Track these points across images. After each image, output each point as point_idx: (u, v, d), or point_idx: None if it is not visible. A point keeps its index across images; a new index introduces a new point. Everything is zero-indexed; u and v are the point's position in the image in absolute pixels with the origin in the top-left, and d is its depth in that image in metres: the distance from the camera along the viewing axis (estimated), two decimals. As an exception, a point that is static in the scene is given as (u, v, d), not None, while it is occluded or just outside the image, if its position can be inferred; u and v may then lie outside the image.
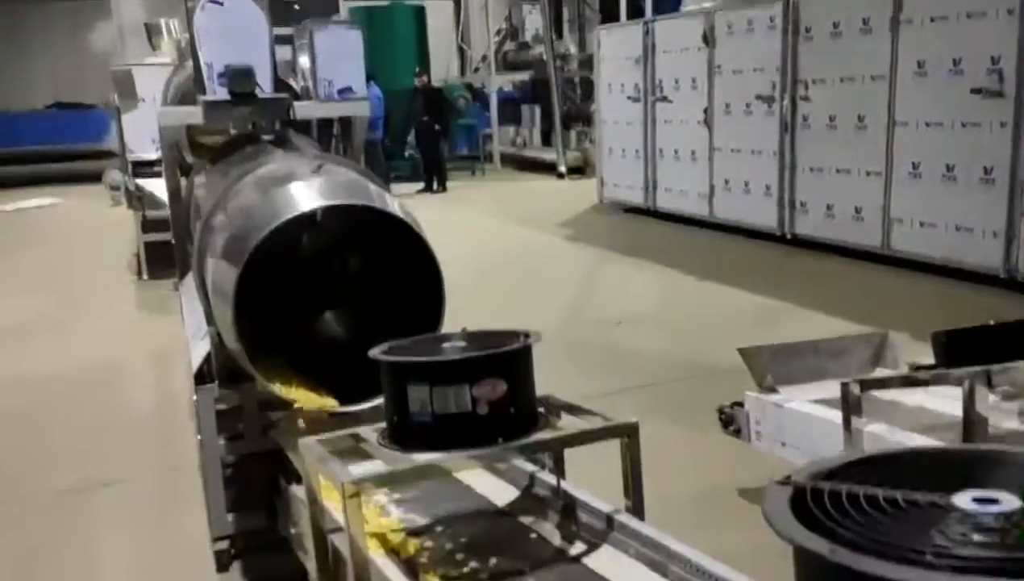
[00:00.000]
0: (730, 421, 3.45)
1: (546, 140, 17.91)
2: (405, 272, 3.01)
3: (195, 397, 3.22)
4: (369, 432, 2.24)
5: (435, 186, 14.91)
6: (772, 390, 3.32)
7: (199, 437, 3.25)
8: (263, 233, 2.66)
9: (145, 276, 8.33)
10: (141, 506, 3.86)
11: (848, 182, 7.95)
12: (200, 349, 3.31)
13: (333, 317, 3.36)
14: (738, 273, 7.83)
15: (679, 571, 1.88)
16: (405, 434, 2.07)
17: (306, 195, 2.86)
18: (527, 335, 2.17)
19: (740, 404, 3.44)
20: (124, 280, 8.54)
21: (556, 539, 2.21)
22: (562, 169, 15.99)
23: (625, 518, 2.11)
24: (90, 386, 5.47)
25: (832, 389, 3.34)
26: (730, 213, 9.58)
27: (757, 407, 3.32)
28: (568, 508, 2.28)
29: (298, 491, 2.65)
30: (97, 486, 4.04)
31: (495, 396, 2.02)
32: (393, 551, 2.21)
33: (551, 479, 2.41)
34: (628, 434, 2.13)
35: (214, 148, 4.34)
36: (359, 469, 2.02)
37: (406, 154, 16.77)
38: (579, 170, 15.96)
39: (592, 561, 2.06)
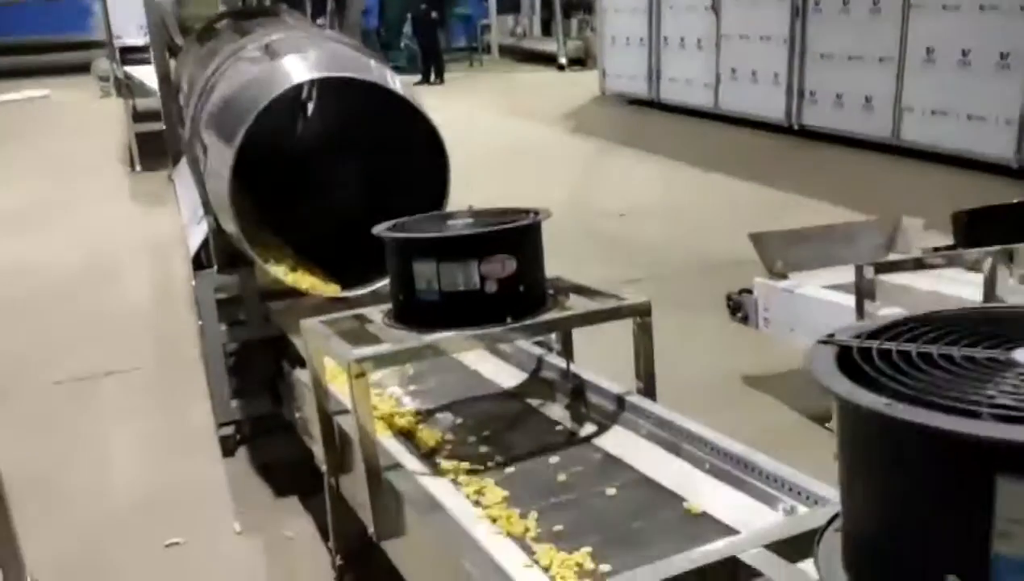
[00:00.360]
0: (738, 308, 3.40)
1: (546, 30, 17.41)
2: (408, 152, 2.90)
3: (194, 282, 3.15)
4: (374, 313, 2.18)
5: (432, 78, 14.55)
6: (782, 276, 3.25)
7: (200, 323, 3.20)
8: (259, 107, 2.54)
9: (138, 168, 8.16)
10: (144, 394, 3.84)
11: (859, 69, 7.72)
12: (197, 234, 3.22)
13: (333, 200, 3.27)
14: (744, 165, 7.68)
15: (693, 450, 1.84)
16: (411, 313, 2.01)
17: (302, 68, 2.72)
18: (536, 212, 2.09)
19: (748, 291, 3.38)
20: (117, 172, 8.38)
21: (566, 421, 2.18)
22: (562, 60, 15.60)
23: (637, 399, 2.07)
24: (87, 277, 5.41)
25: (843, 275, 3.28)
26: (736, 104, 9.35)
27: (766, 293, 3.26)
28: (577, 390, 2.24)
29: (302, 375, 2.61)
30: (100, 375, 4.01)
31: (504, 274, 1.95)
32: (401, 433, 2.19)
33: (559, 362, 2.37)
34: (640, 314, 2.07)
35: (204, 28, 4.17)
36: (365, 348, 1.97)
37: (402, 44, 16.31)
38: (580, 61, 15.56)
39: (604, 442, 2.03)
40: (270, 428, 3.26)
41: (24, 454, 3.32)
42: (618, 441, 1.99)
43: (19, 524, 1.93)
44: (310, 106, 3.40)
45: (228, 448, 3.27)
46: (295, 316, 2.82)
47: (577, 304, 2.13)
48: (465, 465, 1.88)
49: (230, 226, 2.71)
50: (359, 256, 3.00)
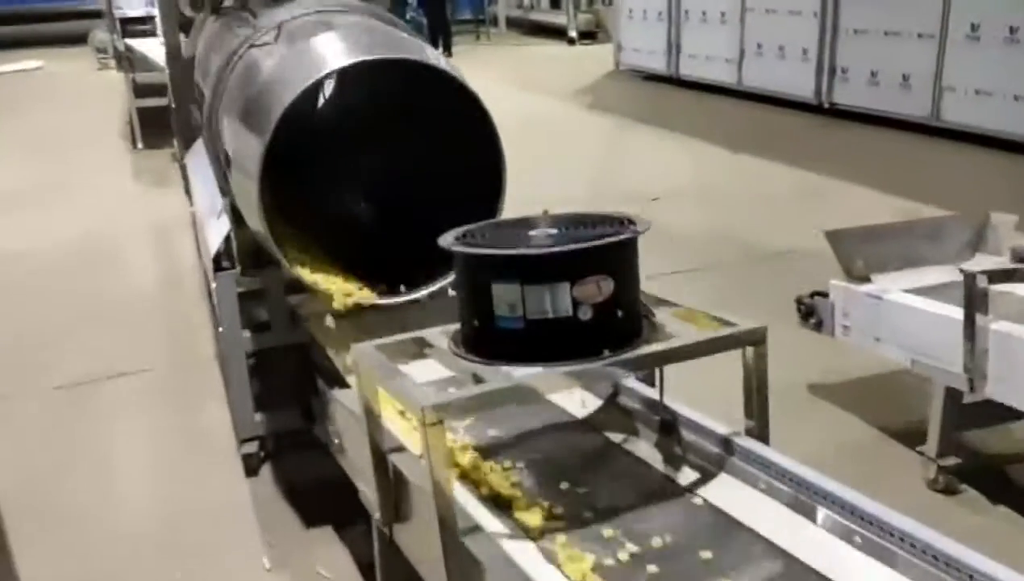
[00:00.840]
0: (810, 313, 3.08)
1: (554, 2, 16.94)
2: (453, 140, 2.58)
3: (214, 285, 2.84)
4: (438, 337, 1.86)
5: (440, 51, 14.12)
6: (863, 278, 2.93)
7: (220, 330, 2.89)
8: (293, 95, 2.21)
9: (140, 145, 7.80)
10: (154, 401, 3.53)
11: (896, 46, 7.36)
12: (216, 230, 2.90)
13: (367, 195, 2.94)
14: (774, 145, 7.34)
15: (832, 515, 1.54)
16: (487, 342, 1.69)
17: (338, 49, 2.39)
18: (631, 221, 1.77)
19: (822, 294, 3.06)
20: (118, 149, 8.02)
21: (659, 463, 1.87)
22: (572, 34, 15.18)
23: (747, 443, 1.76)
24: (88, 264, 5.08)
25: (927, 277, 2.98)
26: (761, 80, 8.98)
27: (846, 298, 2.94)
28: (668, 426, 1.94)
29: (342, 396, 2.30)
30: (104, 378, 3.70)
31: (601, 297, 1.63)
32: (464, 476, 1.88)
33: (637, 387, 2.06)
34: (754, 341, 1.76)
35: (216, -1, 3.81)
36: (427, 376, 1.66)
37: (407, 16, 15.84)
38: (590, 35, 15.15)
39: (712, 494, 1.72)
40: (297, 443, 2.98)
41: (21, 473, 3.02)
42: (724, 492, 1.68)
43: (17, 555, 1.63)
44: (328, 85, 3.06)
45: (251, 467, 2.97)
46: (332, 325, 2.53)
47: (675, 328, 1.81)
48: (589, 560, 1.52)
49: (257, 225, 2.39)
50: (399, 257, 2.69)
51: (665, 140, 8.03)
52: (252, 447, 2.95)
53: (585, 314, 1.63)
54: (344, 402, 2.27)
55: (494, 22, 17.59)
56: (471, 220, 2.55)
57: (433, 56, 2.51)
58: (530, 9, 17.64)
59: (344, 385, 2.37)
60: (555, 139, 8.15)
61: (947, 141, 7.00)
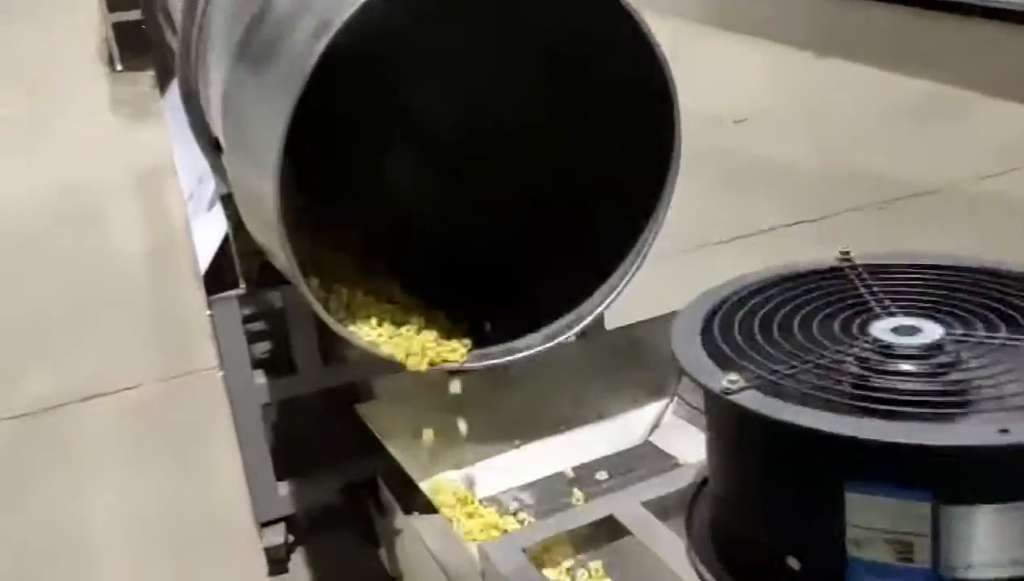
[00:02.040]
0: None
1: None
2: (575, 88, 1.61)
3: (209, 313, 1.88)
4: (651, 527, 0.91)
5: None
6: None
7: (222, 374, 1.95)
8: (325, 37, 1.20)
9: (118, 66, 6.72)
10: (144, 436, 2.62)
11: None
12: (208, 229, 1.92)
13: (435, 179, 1.93)
14: (868, 47, 6.21)
15: None
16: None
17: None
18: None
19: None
20: (94, 72, 6.93)
21: None
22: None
23: None
24: (61, 232, 4.10)
25: None
26: (837, -32, 7.74)
27: None
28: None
29: (427, 533, 1.38)
30: (76, 400, 2.79)
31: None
32: None
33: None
34: None
35: None
36: None
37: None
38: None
39: None
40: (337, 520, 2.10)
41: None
42: None
43: None
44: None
45: (277, 559, 2.07)
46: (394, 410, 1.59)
47: None
48: None
49: (275, 248, 1.42)
50: (488, 275, 1.73)
51: (739, 46, 6.87)
52: (277, 535, 2.05)
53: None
54: (431, 547, 1.36)
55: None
56: (607, 214, 1.62)
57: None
58: None
59: (424, 500, 1.46)
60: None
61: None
